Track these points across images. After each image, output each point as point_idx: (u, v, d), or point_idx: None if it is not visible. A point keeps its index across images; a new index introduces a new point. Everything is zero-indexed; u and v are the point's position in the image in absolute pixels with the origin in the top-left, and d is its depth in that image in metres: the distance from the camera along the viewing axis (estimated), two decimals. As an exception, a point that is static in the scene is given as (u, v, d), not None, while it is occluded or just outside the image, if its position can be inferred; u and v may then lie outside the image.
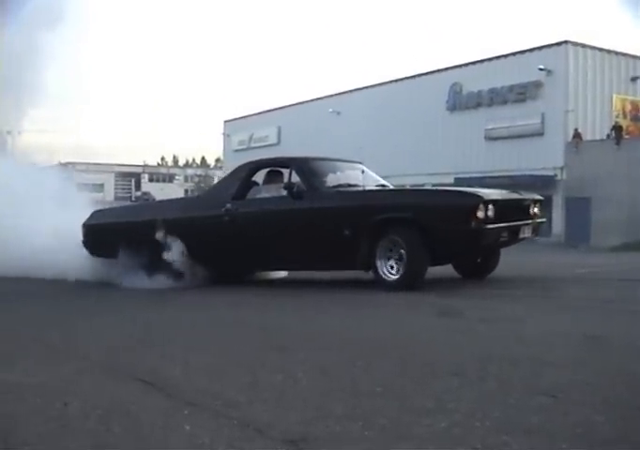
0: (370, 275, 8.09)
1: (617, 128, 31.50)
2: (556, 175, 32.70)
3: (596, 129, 34.02)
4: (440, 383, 3.48)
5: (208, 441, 2.71)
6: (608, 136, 32.02)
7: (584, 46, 35.41)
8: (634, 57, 37.13)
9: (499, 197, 8.09)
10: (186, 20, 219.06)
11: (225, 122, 60.49)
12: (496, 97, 36.48)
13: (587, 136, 33.23)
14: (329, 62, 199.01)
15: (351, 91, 46.53)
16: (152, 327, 5.94)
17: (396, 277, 7.75)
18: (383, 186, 9.46)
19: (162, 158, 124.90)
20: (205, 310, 7.03)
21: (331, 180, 9.02)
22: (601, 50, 35.93)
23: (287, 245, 8.72)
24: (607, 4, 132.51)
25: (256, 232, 8.99)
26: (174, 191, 65.89)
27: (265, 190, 9.50)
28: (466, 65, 38.88)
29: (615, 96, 36.01)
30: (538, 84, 34.92)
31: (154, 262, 9.16)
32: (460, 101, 38.47)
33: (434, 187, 9.27)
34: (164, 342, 5.08)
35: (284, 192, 8.85)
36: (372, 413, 2.97)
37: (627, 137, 32.40)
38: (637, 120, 36.73)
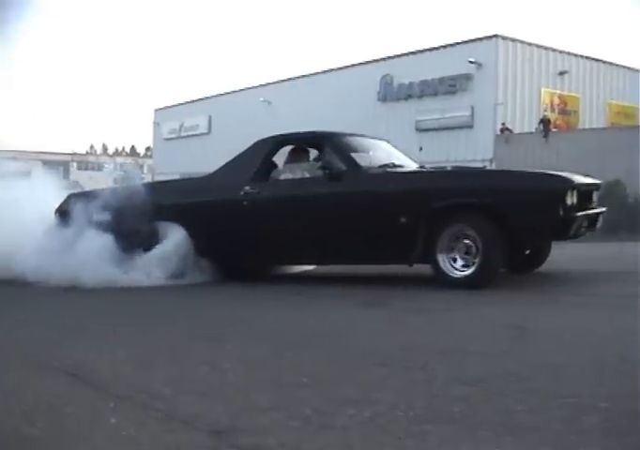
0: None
1: (545, 122, 32.02)
2: (485, 167, 33.16)
3: (524, 122, 34.54)
4: (366, 374, 3.52)
5: (134, 433, 2.70)
6: (536, 129, 32.52)
7: (513, 40, 35.91)
8: (562, 52, 37.76)
9: (583, 181, 7.16)
10: (118, 5, 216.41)
11: (156, 110, 59.94)
12: (427, 89, 36.81)
13: (516, 129, 33.72)
14: (261, 51, 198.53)
15: (282, 81, 46.50)
16: (79, 320, 5.85)
17: (466, 273, 6.76)
18: (422, 167, 8.41)
19: (91, 147, 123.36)
20: (136, 302, 6.88)
21: (374, 159, 8.05)
22: (530, 44, 36.47)
23: (323, 235, 7.58)
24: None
25: (284, 220, 7.80)
26: (103, 180, 65.19)
27: (288, 171, 8.29)
28: (398, 56, 39.13)
29: (543, 89, 36.59)
30: (468, 77, 35.32)
31: (148, 256, 8.05)
32: (391, 93, 38.72)
33: (511, 169, 8.06)
34: (91, 335, 5.02)
35: (314, 173, 7.82)
36: (297, 404, 2.99)
37: (554, 130, 32.96)
38: (565, 113, 37.38)
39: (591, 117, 38.15)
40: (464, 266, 6.77)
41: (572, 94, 37.79)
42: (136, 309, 6.35)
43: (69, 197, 9.42)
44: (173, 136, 55.46)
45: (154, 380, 3.52)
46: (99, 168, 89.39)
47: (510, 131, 32.98)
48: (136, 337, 4.87)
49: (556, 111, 36.90)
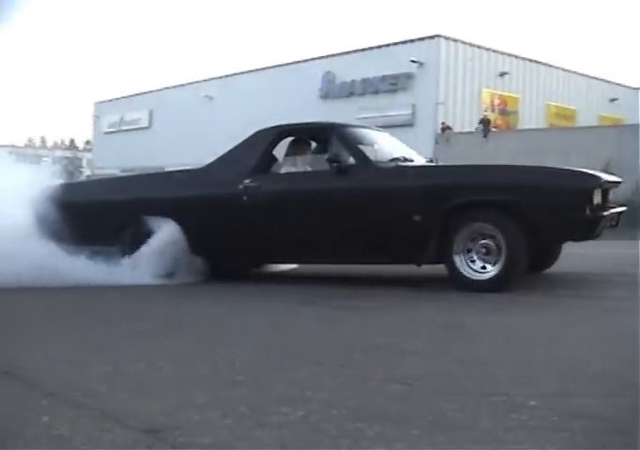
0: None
1: (485, 121, 32.37)
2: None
3: (465, 122, 34.85)
4: (301, 372, 3.53)
5: (67, 432, 2.68)
6: (477, 128, 32.85)
7: (455, 40, 36.23)
8: (503, 53, 38.19)
9: (608, 178, 6.73)
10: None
11: (96, 103, 59.24)
12: (369, 87, 36.97)
13: (457, 128, 34.02)
14: (203, 46, 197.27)
15: (224, 76, 46.30)
16: (13, 317, 5.76)
17: (488, 274, 6.40)
18: (430, 161, 8.14)
19: (30, 140, 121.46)
20: (80, 300, 6.74)
21: (382, 152, 7.57)
22: (471, 45, 36.83)
23: (330, 233, 7.15)
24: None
25: (287, 216, 7.35)
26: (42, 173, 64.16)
27: (290, 164, 7.84)
28: (340, 54, 39.20)
29: (484, 89, 36.97)
30: (409, 76, 35.56)
31: (137, 253, 7.67)
32: (333, 90, 38.81)
33: (534, 165, 7.38)
34: (25, 331, 4.96)
35: (318, 166, 7.42)
36: (232, 402, 3.00)
37: (494, 130, 33.31)
38: (505, 114, 37.80)
39: (530, 118, 38.63)
40: (482, 267, 6.44)
41: (512, 94, 38.25)
42: (77, 307, 6.28)
43: (61, 187, 8.81)
44: (113, 130, 54.88)
45: (89, 377, 3.49)
46: (38, 161, 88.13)
47: (451, 129, 33.25)
48: (73, 335, 4.82)
49: (496, 111, 37.32)
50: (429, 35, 35.97)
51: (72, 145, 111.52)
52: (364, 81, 37.12)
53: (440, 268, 6.82)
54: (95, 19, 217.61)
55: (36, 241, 7.60)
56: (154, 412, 2.89)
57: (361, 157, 7.13)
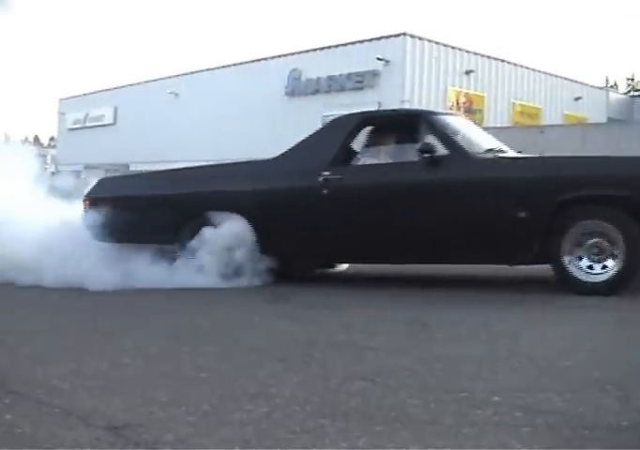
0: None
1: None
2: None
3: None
4: (264, 369, 3.54)
5: (29, 430, 2.66)
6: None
7: (421, 38, 36.30)
8: (469, 52, 38.35)
9: None
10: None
11: (60, 100, 58.76)
12: (334, 85, 36.96)
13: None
14: (168, 43, 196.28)
15: (190, 73, 46.08)
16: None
17: (603, 276, 5.81)
18: (519, 152, 7.42)
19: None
20: (47, 299, 6.56)
21: (475, 142, 6.97)
22: (437, 43, 36.92)
23: (420, 231, 6.52)
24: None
25: (373, 212, 6.66)
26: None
27: (369, 154, 7.18)
28: (306, 51, 39.17)
29: (449, 88, 37.09)
30: (375, 74, 35.56)
31: (202, 252, 6.94)
32: (299, 87, 38.75)
33: None
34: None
35: (404, 158, 6.89)
36: (195, 399, 2.99)
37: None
38: (470, 112, 37.92)
39: (495, 116, 38.81)
40: (589, 267, 5.88)
41: (478, 93, 38.41)
42: (44, 306, 6.20)
43: (102, 181, 8.39)
44: (77, 126, 54.43)
45: (52, 375, 3.47)
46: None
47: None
48: (37, 333, 4.77)
49: (462, 109, 37.42)
50: (395, 33, 36.02)
51: (37, 142, 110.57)
52: (330, 78, 37.11)
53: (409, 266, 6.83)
54: (58, 14, 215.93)
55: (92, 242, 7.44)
56: (117, 410, 2.88)
57: (456, 148, 6.51)
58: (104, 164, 39.74)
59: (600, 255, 5.84)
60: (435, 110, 7.62)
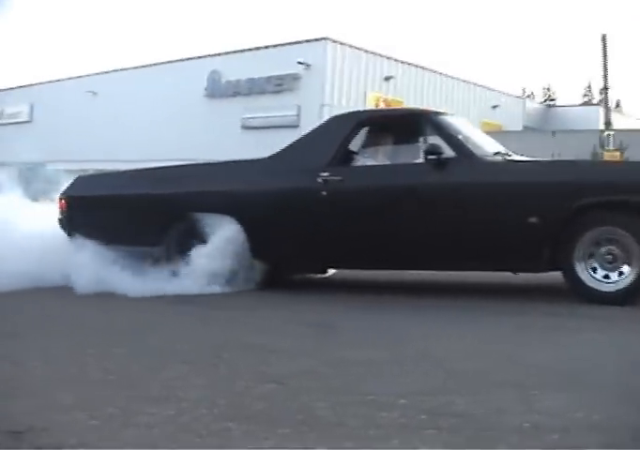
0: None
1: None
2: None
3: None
4: (171, 371, 3.51)
5: None
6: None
7: (342, 43, 36.51)
8: (389, 58, 38.70)
9: None
10: None
11: (-25, 96, 57.52)
12: (254, 87, 36.93)
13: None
14: (87, 40, 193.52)
15: (108, 72, 45.53)
16: None
17: (618, 285, 5.58)
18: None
19: None
20: None
21: (481, 144, 6.70)
22: (358, 48, 37.17)
23: (424, 236, 6.23)
24: (367, 5, 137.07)
25: (374, 215, 6.37)
26: None
27: (369, 155, 6.87)
28: (227, 53, 39.05)
29: (369, 93, 37.34)
30: (296, 77, 35.65)
31: (191, 256, 6.55)
32: (218, 89, 38.60)
33: None
34: None
35: (406, 159, 6.70)
36: (100, 402, 2.95)
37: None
38: (389, 117, 38.20)
39: (414, 122, 39.14)
40: (605, 277, 5.65)
41: (397, 98, 38.73)
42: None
43: (78, 180, 7.86)
44: (-9, 123, 53.36)
45: (-50, 378, 3.39)
46: None
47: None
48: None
49: (381, 114, 37.72)
50: (316, 37, 36.16)
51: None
52: (250, 80, 37.05)
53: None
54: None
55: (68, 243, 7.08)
56: (19, 413, 2.82)
57: (464, 150, 6.24)
58: (19, 162, 39.02)
59: (611, 263, 5.64)
60: (436, 109, 7.43)
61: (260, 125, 36.09)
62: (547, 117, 49.57)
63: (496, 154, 6.45)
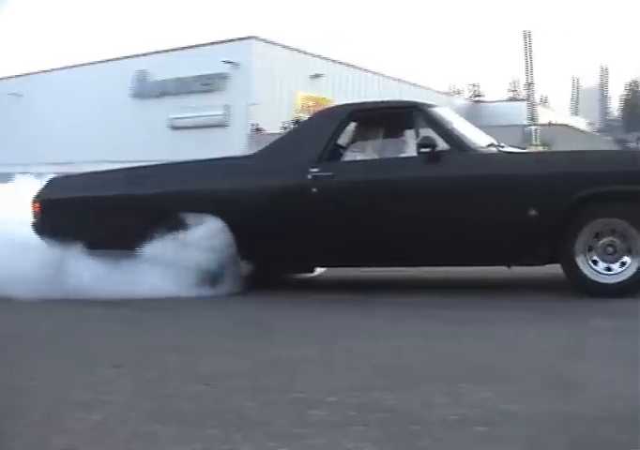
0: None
1: (298, 123, 32.73)
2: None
3: (279, 123, 35.17)
4: (99, 375, 3.46)
5: None
6: (285, 129, 33.19)
7: (270, 42, 36.55)
8: (316, 56, 38.82)
9: None
10: None
11: None
12: (182, 87, 36.81)
13: (271, 129, 34.27)
14: (9, 43, 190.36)
15: (33, 73, 44.91)
16: None
17: (621, 277, 5.51)
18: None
19: None
20: None
21: (473, 136, 6.50)
22: (286, 47, 37.24)
23: (421, 231, 6.06)
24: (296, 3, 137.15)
25: (368, 212, 6.18)
26: None
27: (360, 149, 6.73)
28: (153, 53, 38.81)
29: (298, 91, 37.44)
30: (223, 77, 35.63)
31: (175, 258, 6.21)
32: (145, 89, 38.37)
33: None
34: None
35: (395, 153, 6.55)
36: (26, 409, 2.90)
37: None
38: (319, 115, 38.30)
39: (342, 119, 39.32)
40: (607, 269, 5.56)
41: (326, 96, 38.85)
42: None
43: (52, 181, 7.45)
44: None
45: None
46: None
47: (262, 130, 33.52)
48: None
49: (310, 112, 37.81)
50: (243, 36, 36.13)
51: None
52: (178, 80, 36.91)
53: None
54: None
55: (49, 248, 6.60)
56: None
57: (458, 142, 6.09)
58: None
59: (612, 255, 5.56)
60: (426, 101, 6.93)
61: (188, 125, 36.00)
62: (475, 113, 50.17)
63: (490, 145, 6.33)
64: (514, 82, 77.49)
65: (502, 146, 6.42)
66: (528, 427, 2.54)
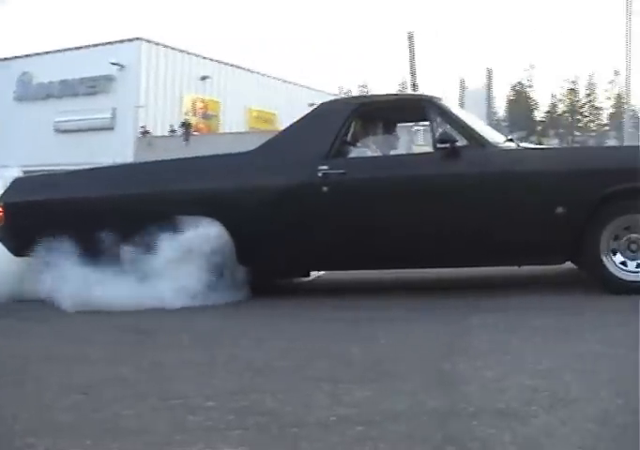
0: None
1: (187, 125, 32.59)
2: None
3: (167, 125, 34.96)
4: (-29, 389, 3.37)
5: None
6: (172, 132, 32.98)
7: (157, 44, 36.27)
8: (205, 58, 38.68)
9: None
10: None
11: None
12: (67, 90, 36.19)
13: (159, 132, 34.04)
14: None
15: None
16: None
17: None
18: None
19: None
20: None
21: (487, 131, 6.30)
22: (174, 49, 37.00)
23: (442, 231, 5.73)
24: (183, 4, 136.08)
25: (385, 211, 5.78)
26: None
27: (369, 145, 6.43)
28: (38, 54, 38.03)
29: (185, 93, 37.21)
30: (110, 79, 35.18)
31: (170, 265, 5.68)
32: (29, 92, 37.56)
33: None
34: None
35: (406, 149, 6.33)
36: None
37: (196, 133, 33.59)
38: (206, 117, 38.22)
39: (232, 121, 39.31)
40: (638, 266, 5.42)
41: (214, 98, 38.75)
42: None
43: (16, 182, 6.66)
44: None
45: None
46: None
47: (149, 133, 33.22)
48: None
49: (198, 114, 37.64)
50: (130, 37, 35.72)
51: None
52: (63, 82, 36.25)
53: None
54: None
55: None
56: None
57: (477, 137, 5.82)
58: None
59: (637, 251, 5.45)
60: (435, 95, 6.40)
61: (74, 128, 35.38)
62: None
63: (507, 141, 6.19)
64: (403, 83, 78.61)
65: (519, 142, 6.23)
66: (408, 425, 2.56)
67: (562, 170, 5.57)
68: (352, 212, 5.82)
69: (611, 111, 72.91)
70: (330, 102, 6.46)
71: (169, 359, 3.89)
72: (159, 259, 5.67)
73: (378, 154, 6.40)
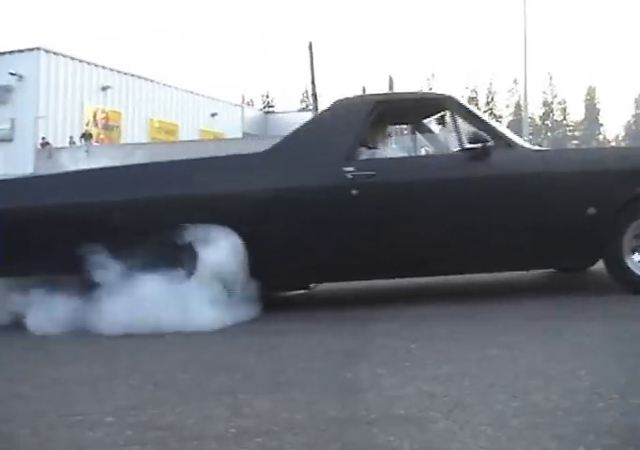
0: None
1: (87, 136, 32.13)
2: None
3: (67, 136, 34.38)
4: None
5: None
6: (71, 142, 32.49)
7: (57, 54, 35.68)
8: (106, 68, 38.23)
9: None
10: None
11: None
12: (-38, 101, 35.29)
13: (59, 143, 33.43)
14: None
15: None
16: None
17: None
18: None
19: None
20: None
21: (507, 131, 6.08)
22: (73, 58, 36.46)
23: (479, 234, 5.46)
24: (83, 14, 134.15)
25: (419, 215, 5.46)
26: None
27: (393, 145, 6.23)
28: None
29: (86, 104, 36.67)
30: (8, 89, 34.45)
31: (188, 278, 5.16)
32: None
33: None
34: None
35: (432, 148, 6.13)
36: None
37: (97, 144, 33.14)
38: (108, 128, 37.76)
39: (133, 132, 38.92)
40: None
41: (115, 109, 38.29)
42: None
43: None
44: None
45: None
46: None
47: (49, 144, 32.65)
48: None
49: (100, 125, 37.18)
50: (29, 47, 35.07)
51: None
52: (-41, 93, 35.38)
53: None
54: None
55: None
56: None
57: (504, 138, 5.64)
58: None
59: None
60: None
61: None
62: (266, 123, 50.90)
63: (525, 142, 5.98)
64: (306, 93, 78.96)
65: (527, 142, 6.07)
66: (308, 434, 2.59)
67: (594, 170, 5.47)
68: (383, 216, 5.46)
69: (510, 118, 74.74)
70: (346, 100, 6.00)
71: (68, 374, 3.82)
72: (156, 279, 5.00)
73: (403, 154, 6.18)
